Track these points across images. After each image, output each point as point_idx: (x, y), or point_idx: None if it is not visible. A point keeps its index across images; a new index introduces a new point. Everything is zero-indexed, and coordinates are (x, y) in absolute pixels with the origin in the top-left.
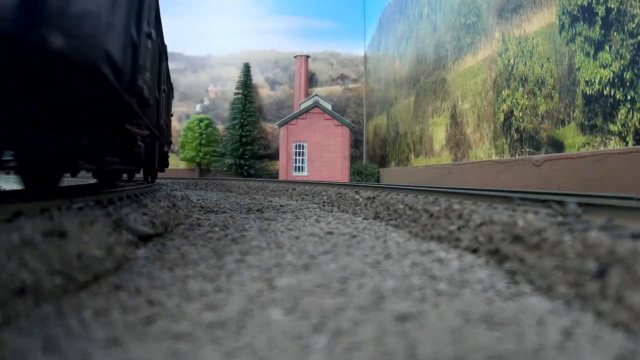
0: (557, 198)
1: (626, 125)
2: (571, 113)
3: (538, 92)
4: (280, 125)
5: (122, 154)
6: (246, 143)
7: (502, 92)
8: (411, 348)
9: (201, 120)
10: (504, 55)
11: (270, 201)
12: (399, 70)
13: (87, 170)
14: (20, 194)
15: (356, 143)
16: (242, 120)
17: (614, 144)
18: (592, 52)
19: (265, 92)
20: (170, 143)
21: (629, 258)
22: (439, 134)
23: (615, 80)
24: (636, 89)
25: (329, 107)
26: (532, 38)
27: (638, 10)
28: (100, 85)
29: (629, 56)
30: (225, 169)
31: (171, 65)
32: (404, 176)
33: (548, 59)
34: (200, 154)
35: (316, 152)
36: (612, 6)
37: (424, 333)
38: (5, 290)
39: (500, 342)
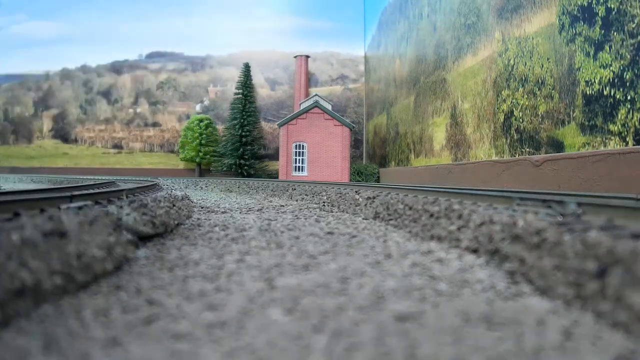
0: (557, 198)
1: (626, 125)
2: (571, 113)
3: (538, 92)
4: (280, 125)
5: None
6: (246, 143)
7: (502, 92)
8: (411, 348)
9: (201, 120)
10: (504, 55)
11: (271, 201)
12: (399, 70)
13: None
14: (20, 193)
15: (356, 143)
16: (242, 120)
17: (614, 144)
18: (592, 52)
19: (265, 92)
20: None
21: (629, 258)
22: (439, 134)
23: (615, 80)
24: (636, 89)
25: (329, 107)
26: (532, 38)
27: (638, 11)
28: None
29: (629, 56)
30: (225, 169)
31: (171, 65)
32: (404, 176)
33: (548, 59)
34: (200, 154)
35: (316, 152)
36: (612, 6)
37: (424, 333)
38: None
39: (500, 342)
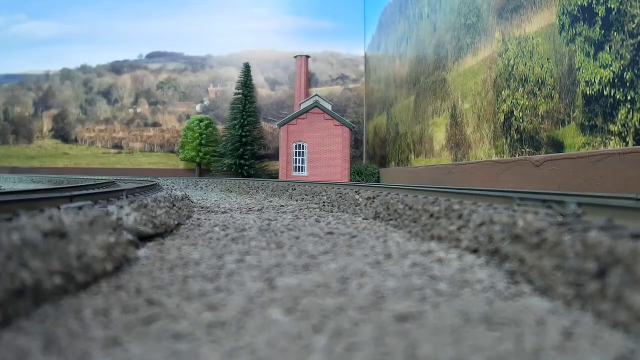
0: (557, 198)
1: (626, 125)
2: (571, 113)
3: (538, 92)
4: (280, 125)
5: None
6: (246, 143)
7: (502, 92)
8: (411, 348)
9: (201, 120)
10: (504, 56)
11: (271, 201)
12: (399, 70)
13: None
14: (20, 193)
15: (356, 143)
16: (242, 120)
17: (614, 144)
18: (592, 52)
19: (265, 92)
20: None
21: (629, 258)
22: (439, 134)
23: (615, 80)
24: (636, 89)
25: (329, 107)
26: (532, 38)
27: (638, 11)
28: None
29: (629, 56)
30: (225, 169)
31: (171, 65)
32: (404, 176)
33: (548, 59)
34: (200, 154)
35: (316, 152)
36: (612, 6)
37: (424, 333)
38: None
39: (500, 342)
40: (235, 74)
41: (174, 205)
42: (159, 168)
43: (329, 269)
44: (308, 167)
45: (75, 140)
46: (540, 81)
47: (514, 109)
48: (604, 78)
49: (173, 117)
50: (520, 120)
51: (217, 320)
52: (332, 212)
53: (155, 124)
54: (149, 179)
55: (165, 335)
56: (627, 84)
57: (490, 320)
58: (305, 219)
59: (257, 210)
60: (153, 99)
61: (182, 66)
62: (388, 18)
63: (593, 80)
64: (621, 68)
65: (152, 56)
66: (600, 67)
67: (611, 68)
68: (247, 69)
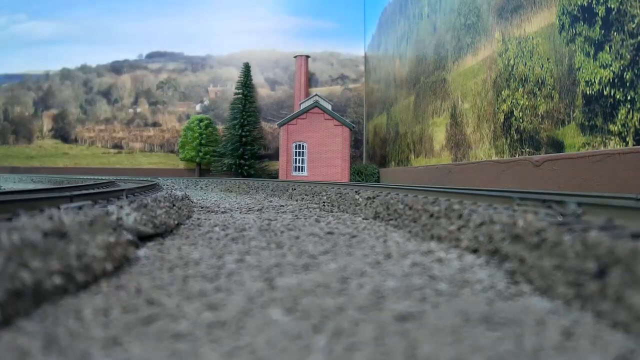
0: (557, 198)
1: (626, 125)
2: (571, 113)
3: (538, 92)
4: (280, 125)
5: None
6: (246, 143)
7: (502, 92)
8: (411, 348)
9: (201, 120)
10: (504, 56)
11: (271, 201)
12: (399, 70)
13: None
14: (20, 193)
15: (356, 143)
16: (242, 120)
17: (614, 144)
18: (592, 52)
19: (265, 92)
20: None
21: (629, 258)
22: (439, 134)
23: (615, 80)
24: (636, 89)
25: (329, 107)
26: (532, 38)
27: (638, 11)
28: None
29: (629, 56)
30: (225, 169)
31: (171, 65)
32: (404, 176)
33: (548, 59)
34: (200, 154)
35: (316, 152)
36: (612, 6)
37: (424, 333)
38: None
39: (500, 342)
40: (235, 74)
41: (174, 205)
42: (159, 168)
43: (329, 268)
44: (308, 167)
45: (75, 140)
46: (540, 81)
47: (514, 109)
48: (604, 78)
49: (173, 117)
50: (520, 120)
51: (217, 320)
52: (332, 212)
53: (155, 124)
54: (149, 179)
55: (165, 335)
56: (627, 84)
57: (490, 320)
58: (305, 219)
59: (257, 210)
60: (153, 99)
61: (182, 66)
62: (388, 18)
63: (593, 80)
64: (621, 68)
65: (152, 56)
66: (600, 67)
67: (611, 68)
68: (247, 69)
